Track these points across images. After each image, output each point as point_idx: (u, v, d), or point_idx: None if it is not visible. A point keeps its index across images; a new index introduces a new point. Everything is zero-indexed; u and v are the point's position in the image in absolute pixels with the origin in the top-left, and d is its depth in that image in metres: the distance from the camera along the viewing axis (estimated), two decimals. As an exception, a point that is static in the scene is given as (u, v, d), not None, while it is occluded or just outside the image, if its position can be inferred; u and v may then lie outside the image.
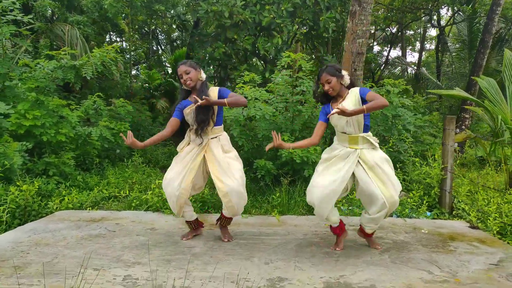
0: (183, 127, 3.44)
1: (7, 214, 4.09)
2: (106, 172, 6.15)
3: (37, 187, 4.56)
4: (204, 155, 3.33)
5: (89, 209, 4.58)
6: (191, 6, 9.97)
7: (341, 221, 3.37)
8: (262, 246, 3.39)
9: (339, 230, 3.39)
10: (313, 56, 12.51)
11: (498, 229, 4.11)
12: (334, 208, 3.26)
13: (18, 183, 4.51)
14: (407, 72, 22.01)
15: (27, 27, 7.29)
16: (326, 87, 3.13)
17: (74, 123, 5.70)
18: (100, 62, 5.58)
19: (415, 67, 19.79)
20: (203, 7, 8.81)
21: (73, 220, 4.07)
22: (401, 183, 5.52)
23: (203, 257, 3.08)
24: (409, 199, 4.77)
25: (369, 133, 3.21)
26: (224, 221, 3.54)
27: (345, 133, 3.19)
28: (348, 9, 10.42)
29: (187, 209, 3.46)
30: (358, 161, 3.15)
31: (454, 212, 4.76)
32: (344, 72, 3.19)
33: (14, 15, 5.27)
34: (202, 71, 3.36)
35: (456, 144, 9.52)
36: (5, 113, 4.80)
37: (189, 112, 3.29)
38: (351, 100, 3.13)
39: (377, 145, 3.22)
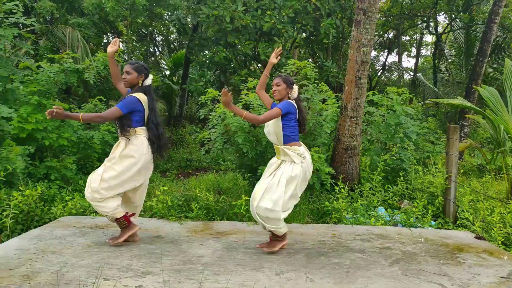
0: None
1: (10, 219, 4.04)
2: (107, 177, 6.10)
3: (40, 192, 4.50)
4: None
5: (93, 215, 4.54)
6: (191, 10, 9.95)
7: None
8: (271, 256, 3.38)
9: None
10: (310, 61, 12.54)
11: (502, 239, 4.14)
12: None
13: (21, 188, 4.46)
14: (403, 78, 22.15)
15: (28, 29, 7.23)
16: (274, 88, 3.44)
17: (76, 127, 5.65)
18: (104, 66, 5.53)
19: (412, 73, 19.94)
20: (204, 11, 8.80)
21: (78, 226, 4.02)
22: (404, 191, 5.58)
23: (213, 267, 3.05)
24: (414, 209, 4.78)
25: (292, 145, 3.37)
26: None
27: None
28: (348, 15, 10.50)
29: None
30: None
31: (458, 222, 4.78)
32: (295, 87, 3.47)
33: (17, 18, 5.21)
34: (145, 78, 3.52)
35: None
36: (8, 117, 4.75)
37: None
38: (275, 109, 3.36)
39: (296, 160, 3.33)
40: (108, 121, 4.08)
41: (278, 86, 3.44)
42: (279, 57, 3.63)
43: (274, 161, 3.49)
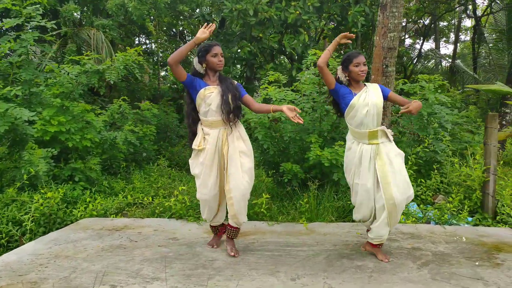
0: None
1: (31, 222, 4.05)
2: (132, 177, 6.10)
3: (62, 194, 4.52)
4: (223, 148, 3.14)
5: (113, 217, 4.50)
6: (215, 6, 9.84)
7: None
8: (289, 258, 3.18)
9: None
10: (341, 52, 12.13)
11: (550, 237, 3.74)
12: None
13: (42, 191, 4.49)
14: (441, 65, 21.08)
15: (54, 33, 7.35)
16: (363, 68, 3.05)
17: (99, 128, 5.66)
18: (123, 66, 5.50)
19: (450, 60, 18.97)
20: (227, 5, 8.64)
21: (96, 228, 3.99)
22: (438, 185, 5.21)
23: (225, 272, 2.90)
24: (448, 204, 4.43)
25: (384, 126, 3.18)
26: (231, 232, 3.29)
27: (360, 129, 3.07)
28: (378, 1, 10.03)
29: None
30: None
31: (498, 218, 4.39)
32: None
33: (38, 21, 5.25)
34: None
35: (497, 141, 8.94)
36: (30, 120, 4.79)
37: (208, 95, 3.06)
38: (375, 93, 3.10)
39: (392, 138, 3.16)
40: None
41: (365, 65, 3.08)
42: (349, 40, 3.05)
43: (365, 151, 3.06)
